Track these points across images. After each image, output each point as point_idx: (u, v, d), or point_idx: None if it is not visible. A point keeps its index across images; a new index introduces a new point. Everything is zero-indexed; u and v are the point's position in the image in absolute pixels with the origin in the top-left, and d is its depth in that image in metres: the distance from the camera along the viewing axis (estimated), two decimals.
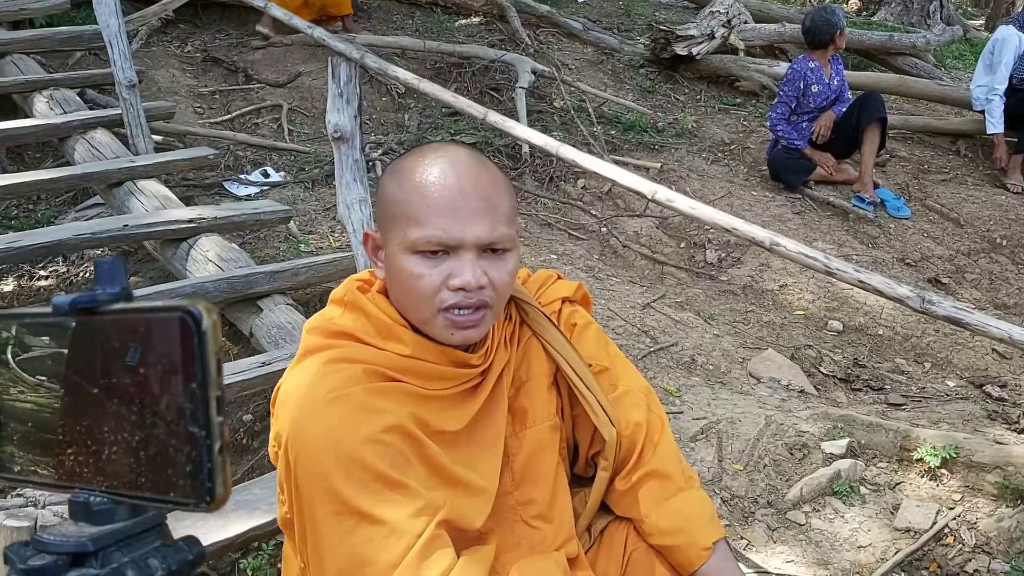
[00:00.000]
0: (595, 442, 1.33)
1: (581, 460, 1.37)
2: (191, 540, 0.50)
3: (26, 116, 4.02)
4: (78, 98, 4.19)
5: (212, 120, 5.03)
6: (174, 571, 0.48)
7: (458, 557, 1.06)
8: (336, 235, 3.84)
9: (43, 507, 0.95)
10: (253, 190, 4.26)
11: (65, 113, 3.91)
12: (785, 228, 4.39)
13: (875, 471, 2.64)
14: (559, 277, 1.42)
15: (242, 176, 4.40)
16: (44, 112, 3.92)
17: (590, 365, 1.32)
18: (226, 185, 4.29)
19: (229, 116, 5.09)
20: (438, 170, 1.09)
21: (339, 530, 1.02)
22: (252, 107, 5.21)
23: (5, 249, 2.79)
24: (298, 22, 3.48)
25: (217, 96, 5.35)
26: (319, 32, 2.91)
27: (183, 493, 0.46)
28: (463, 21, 6.37)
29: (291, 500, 1.09)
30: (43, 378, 0.51)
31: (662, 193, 1.99)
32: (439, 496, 1.08)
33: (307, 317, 1.98)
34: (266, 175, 4.45)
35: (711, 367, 3.29)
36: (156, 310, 0.46)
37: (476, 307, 1.10)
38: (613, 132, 5.21)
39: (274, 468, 1.20)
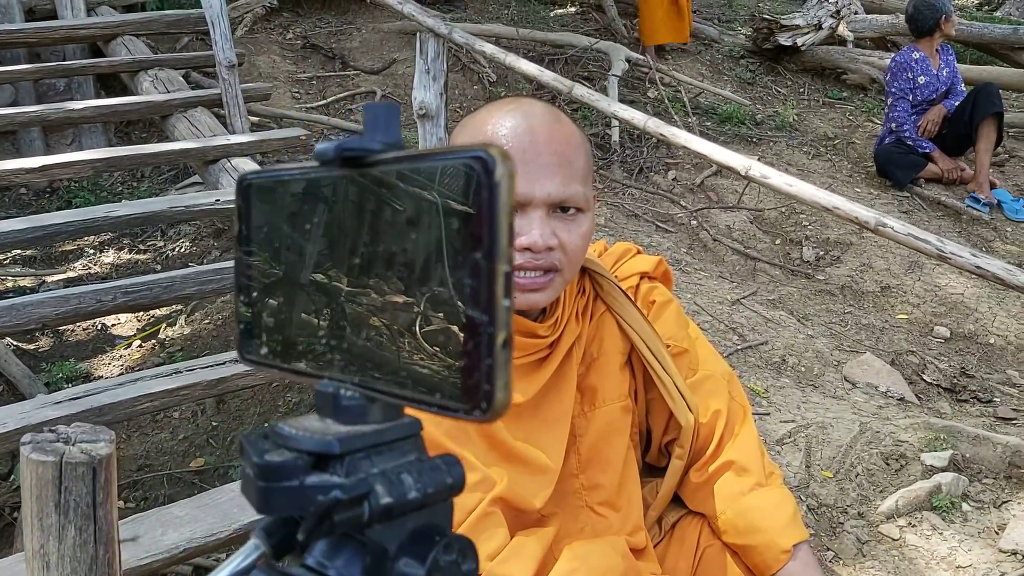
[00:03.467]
0: (670, 429, 1.24)
1: (654, 448, 1.28)
2: (450, 459, 0.40)
3: (133, 94, 4.17)
4: (182, 79, 4.32)
5: (308, 105, 5.12)
6: (429, 494, 0.38)
7: (512, 538, 0.99)
8: None
9: (73, 443, 0.92)
10: None
11: (168, 92, 4.04)
12: None
13: (980, 487, 2.44)
14: (638, 251, 1.33)
15: None
16: (148, 91, 4.06)
17: (668, 346, 1.22)
18: None
19: (325, 101, 5.17)
20: (510, 122, 1.02)
21: None
22: (347, 93, 5.28)
23: (103, 217, 2.91)
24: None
25: (315, 82, 5.44)
26: (409, 7, 2.87)
27: (452, 394, 0.36)
28: (559, 11, 6.29)
29: None
30: (299, 244, 0.43)
31: (756, 168, 1.87)
32: (496, 472, 1.02)
33: None
34: None
35: (802, 368, 3.12)
36: (438, 156, 0.37)
37: (544, 270, 1.02)
38: (709, 123, 5.04)
39: None
